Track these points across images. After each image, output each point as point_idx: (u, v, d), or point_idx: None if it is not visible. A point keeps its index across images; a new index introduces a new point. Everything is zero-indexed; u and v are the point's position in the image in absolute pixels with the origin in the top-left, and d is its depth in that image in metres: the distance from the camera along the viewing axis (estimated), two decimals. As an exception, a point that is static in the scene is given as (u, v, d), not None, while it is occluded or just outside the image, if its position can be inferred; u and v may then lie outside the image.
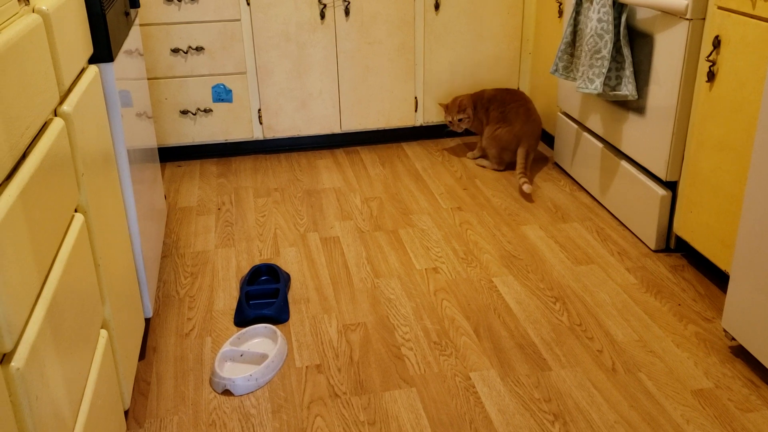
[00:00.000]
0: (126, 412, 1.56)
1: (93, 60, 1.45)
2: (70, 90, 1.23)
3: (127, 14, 1.74)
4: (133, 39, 1.88)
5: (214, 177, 2.81)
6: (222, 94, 2.85)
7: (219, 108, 2.87)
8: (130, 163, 1.59)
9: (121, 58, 1.61)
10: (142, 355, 1.76)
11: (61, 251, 1.04)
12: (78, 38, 1.28)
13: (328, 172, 2.82)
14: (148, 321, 1.89)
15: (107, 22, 1.42)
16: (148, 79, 2.77)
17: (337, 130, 3.01)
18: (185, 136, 2.89)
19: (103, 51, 1.43)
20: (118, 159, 1.53)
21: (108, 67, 1.45)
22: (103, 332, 1.25)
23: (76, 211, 1.20)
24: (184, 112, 2.85)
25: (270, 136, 2.96)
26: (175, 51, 2.75)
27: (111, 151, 1.46)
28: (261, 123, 2.93)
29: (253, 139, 2.96)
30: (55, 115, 1.13)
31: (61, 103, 1.16)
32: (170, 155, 2.99)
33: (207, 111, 2.86)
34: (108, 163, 1.41)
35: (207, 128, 2.89)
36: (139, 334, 1.59)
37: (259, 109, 2.91)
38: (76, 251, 1.09)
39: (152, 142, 2.09)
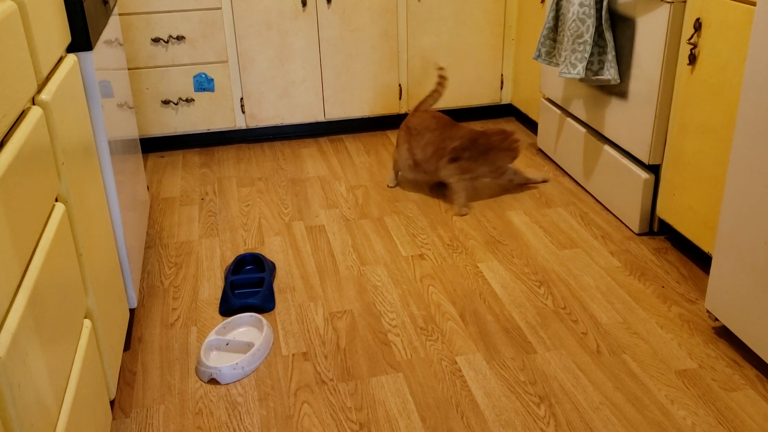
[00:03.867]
0: (112, 402, 1.56)
1: (71, 49, 1.43)
2: (48, 79, 1.21)
3: (105, 2, 1.71)
4: (113, 28, 1.86)
5: (197, 167, 2.79)
6: (204, 84, 2.82)
7: (201, 97, 2.85)
8: (111, 153, 1.58)
9: (100, 47, 1.59)
10: (128, 346, 1.75)
11: (42, 240, 1.03)
12: (55, 26, 1.26)
13: (312, 161, 2.81)
14: (133, 311, 1.88)
15: (85, 11, 1.40)
16: (129, 69, 2.74)
17: (321, 118, 2.99)
18: (167, 126, 2.87)
19: (81, 40, 1.41)
20: (99, 149, 1.51)
21: (87, 56, 1.43)
22: (87, 322, 1.24)
23: (57, 200, 1.18)
24: (166, 102, 2.82)
25: (253, 125, 2.94)
26: (156, 40, 2.72)
27: (92, 141, 1.44)
28: (244, 112, 2.91)
29: (236, 128, 2.94)
30: (33, 104, 1.12)
31: (39, 91, 1.14)
32: (153, 146, 2.97)
33: (189, 101, 2.84)
34: (89, 153, 1.40)
35: (189, 118, 2.87)
36: (124, 324, 1.58)
37: (242, 98, 2.89)
38: (57, 240, 1.08)
39: (134, 133, 2.07)
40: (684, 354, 1.66)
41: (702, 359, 1.64)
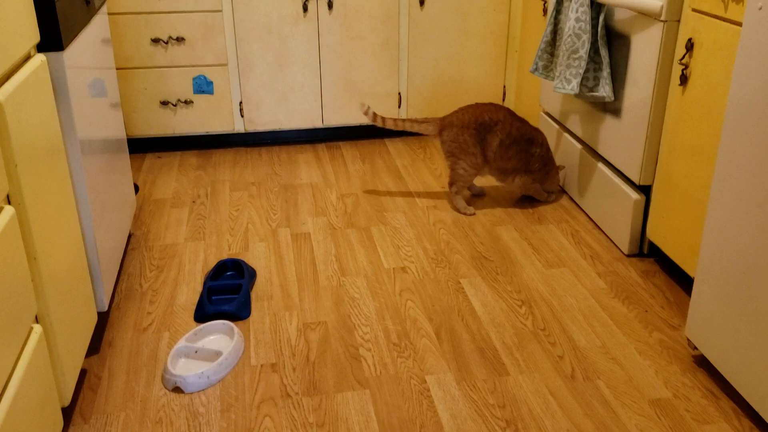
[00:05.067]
0: (72, 408, 1.55)
1: (42, 48, 1.42)
2: (7, 78, 1.20)
3: (88, 2, 1.71)
4: (98, 27, 1.86)
5: (193, 169, 2.78)
6: (203, 86, 2.82)
7: (200, 100, 2.84)
8: (84, 153, 1.57)
9: (78, 46, 1.59)
10: (97, 349, 1.74)
11: (-18, 245, 1.01)
12: (17, 25, 1.25)
13: (307, 167, 2.79)
14: (107, 314, 1.87)
15: (57, 11, 1.39)
16: (128, 68, 2.74)
17: (319, 124, 2.98)
18: (165, 127, 2.86)
19: (51, 39, 1.40)
20: (69, 149, 1.50)
21: (57, 55, 1.43)
22: (37, 327, 1.23)
23: (9, 203, 1.17)
24: (165, 103, 2.82)
25: (251, 129, 2.93)
26: (156, 41, 2.72)
27: (59, 141, 1.43)
28: (242, 116, 2.90)
29: (234, 131, 2.93)
30: (-14, 105, 1.11)
31: (-7, 92, 1.13)
32: (151, 146, 2.97)
33: (188, 102, 2.84)
34: (54, 153, 1.39)
35: (187, 120, 2.87)
36: (89, 328, 1.56)
37: (241, 102, 2.88)
38: (0, 244, 1.06)
39: (119, 133, 2.07)
40: (660, 382, 1.62)
41: (677, 388, 1.59)
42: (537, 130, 2.38)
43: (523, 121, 2.36)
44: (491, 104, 2.37)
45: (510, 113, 2.35)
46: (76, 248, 1.50)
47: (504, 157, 2.33)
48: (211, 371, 1.61)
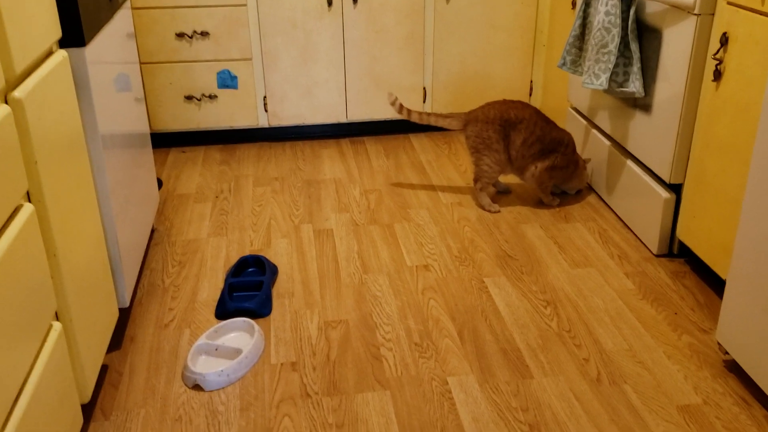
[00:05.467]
0: (93, 404, 1.55)
1: (64, 44, 1.41)
2: (27, 75, 1.20)
3: (111, -2, 1.70)
4: (121, 22, 1.85)
5: (217, 164, 2.78)
6: (227, 80, 2.81)
7: (224, 94, 2.84)
8: (106, 148, 1.56)
9: (101, 42, 1.58)
10: (118, 345, 1.74)
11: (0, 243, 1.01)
12: (39, 21, 1.24)
13: (330, 162, 2.77)
14: (129, 309, 1.87)
15: (78, 6, 1.38)
16: (153, 63, 2.74)
17: (343, 119, 2.95)
18: (190, 121, 2.86)
19: (73, 35, 1.40)
20: (90, 145, 1.50)
21: (79, 51, 1.42)
22: (57, 324, 1.22)
23: (29, 201, 1.17)
24: (189, 98, 2.82)
25: (275, 123, 2.92)
26: (180, 35, 2.72)
27: (81, 138, 1.43)
28: (266, 110, 2.89)
29: (258, 126, 2.92)
30: (6, 102, 1.10)
31: (13, 89, 1.12)
32: (175, 141, 2.97)
33: (212, 97, 2.83)
34: (75, 149, 1.38)
35: (212, 114, 2.86)
36: (110, 324, 1.56)
37: (265, 96, 2.87)
38: (19, 242, 1.06)
39: (142, 127, 2.06)
40: (689, 388, 1.57)
41: (708, 394, 1.55)
42: (563, 131, 2.33)
43: (548, 122, 2.31)
44: (518, 102, 2.33)
45: (536, 112, 2.31)
46: (97, 244, 1.49)
47: (526, 156, 2.29)
48: (231, 369, 1.60)
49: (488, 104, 2.35)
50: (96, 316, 1.45)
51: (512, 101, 2.33)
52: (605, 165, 2.36)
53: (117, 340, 1.76)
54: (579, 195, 2.46)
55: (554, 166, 2.32)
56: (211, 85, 2.81)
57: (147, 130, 2.16)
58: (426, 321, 1.81)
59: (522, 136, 2.27)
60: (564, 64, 2.33)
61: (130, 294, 1.73)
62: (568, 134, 2.34)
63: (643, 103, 2.09)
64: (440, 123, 2.40)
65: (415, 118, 2.40)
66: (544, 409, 1.52)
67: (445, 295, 1.92)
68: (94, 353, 1.42)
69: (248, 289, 1.91)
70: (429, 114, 2.40)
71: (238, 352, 1.65)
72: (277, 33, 2.77)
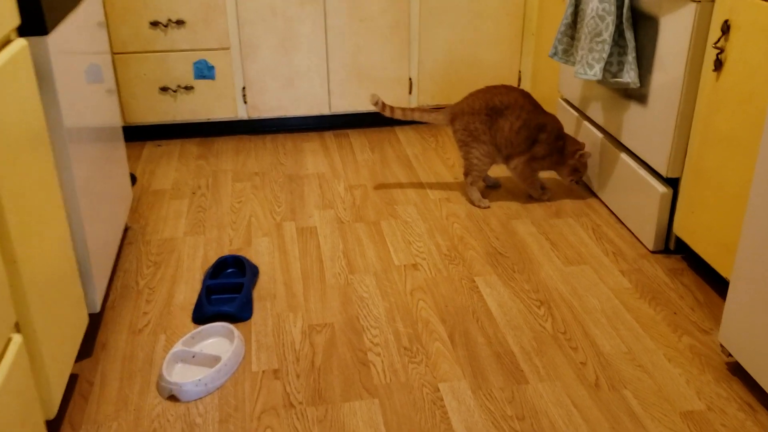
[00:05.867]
0: (61, 417, 1.44)
1: (26, 32, 1.30)
2: (-20, 65, 1.09)
3: (77, -18, 1.59)
4: (90, 9, 1.74)
5: (194, 158, 2.67)
6: (204, 71, 2.70)
7: (201, 85, 2.72)
8: (73, 143, 1.46)
9: (65, 30, 1.47)
10: (89, 353, 1.63)
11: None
12: (-7, 7, 1.14)
13: (313, 156, 2.68)
14: (101, 314, 1.77)
15: (39, -9, 1.27)
16: (126, 53, 2.62)
17: (326, 111, 2.85)
18: (165, 114, 2.75)
19: (33, 23, 1.29)
20: (54, 139, 1.39)
21: (41, 40, 1.31)
22: (17, 337, 1.12)
23: (-18, 202, 1.06)
24: (164, 89, 2.70)
25: (255, 115, 2.81)
26: (155, 24, 2.60)
27: (43, 132, 1.32)
28: (245, 102, 2.78)
29: (237, 118, 2.81)
30: (-46, 94, 1.00)
31: (-38, 80, 1.02)
32: (150, 134, 2.86)
33: (188, 88, 2.72)
34: (38, 145, 1.28)
35: (188, 106, 2.75)
36: (79, 332, 1.46)
37: (244, 87, 2.76)
38: (-31, 250, 0.96)
39: (113, 120, 1.95)
40: (692, 393, 1.50)
41: (712, 400, 1.48)
42: (548, 116, 2.23)
43: (536, 105, 2.22)
44: (503, 86, 2.24)
45: (522, 95, 2.21)
46: (63, 247, 1.39)
47: (514, 143, 2.21)
48: (209, 378, 1.50)
49: (472, 94, 2.26)
50: (63, 323, 1.34)
51: (496, 87, 2.24)
52: (598, 158, 2.28)
53: (87, 347, 1.65)
54: (572, 188, 2.39)
55: (534, 157, 2.23)
56: (187, 75, 2.70)
57: (119, 123, 2.05)
58: (415, 323, 1.73)
59: (509, 121, 2.18)
60: (555, 53, 2.25)
61: (101, 298, 1.63)
62: (552, 119, 2.24)
63: (638, 94, 2.01)
64: (426, 118, 2.31)
65: (399, 116, 2.30)
66: (540, 417, 1.44)
67: (434, 295, 1.83)
68: (60, 364, 1.32)
69: (227, 291, 1.81)
70: (413, 110, 2.31)
71: (216, 359, 1.55)
72: (255, 21, 2.66)
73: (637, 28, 1.98)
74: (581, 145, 2.24)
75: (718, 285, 1.86)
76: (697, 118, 1.78)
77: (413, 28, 2.77)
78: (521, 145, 2.21)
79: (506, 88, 2.23)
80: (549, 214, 2.24)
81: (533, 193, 2.31)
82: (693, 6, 1.72)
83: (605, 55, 1.98)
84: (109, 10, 2.55)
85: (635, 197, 2.06)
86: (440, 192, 2.38)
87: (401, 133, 2.89)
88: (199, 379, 1.49)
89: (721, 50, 1.65)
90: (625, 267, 1.95)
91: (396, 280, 1.90)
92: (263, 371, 1.57)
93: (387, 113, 2.30)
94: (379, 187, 2.42)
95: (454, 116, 2.26)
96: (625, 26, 1.95)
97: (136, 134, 2.84)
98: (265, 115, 2.82)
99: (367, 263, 1.98)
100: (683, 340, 1.66)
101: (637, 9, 1.97)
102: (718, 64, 1.67)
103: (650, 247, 2.01)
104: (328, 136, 2.88)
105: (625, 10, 1.94)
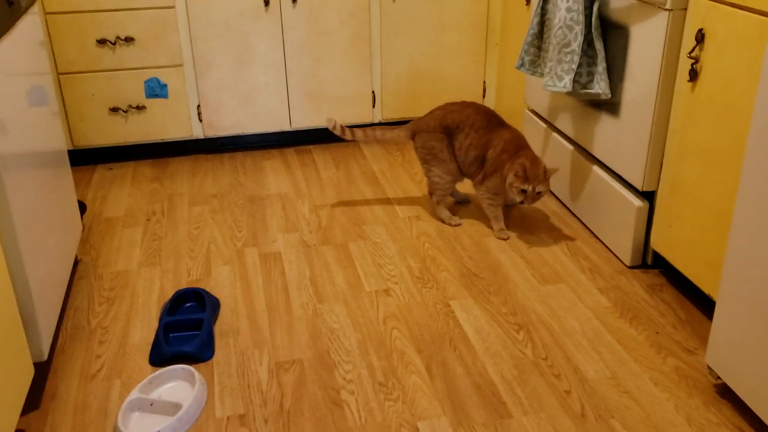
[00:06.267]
0: (4, 482, 1.31)
1: (-50, 59, 1.18)
2: None
3: (11, 3, 1.46)
4: (27, 29, 1.61)
5: (148, 181, 2.53)
6: (156, 89, 2.57)
7: (153, 104, 2.59)
8: (9, 171, 1.33)
9: (1, 52, 1.34)
10: (37, 404, 1.50)
11: None
12: None
13: (275, 175, 2.56)
14: (50, 359, 1.63)
15: (-37, 13, 1.15)
16: (72, 73, 2.48)
17: (286, 127, 2.75)
18: (116, 135, 2.61)
19: (-42, 48, 1.16)
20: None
21: (-33, 67, 1.18)
22: (-54, 406, 0.99)
23: None
24: (115, 110, 2.57)
25: (211, 134, 2.69)
26: (102, 42, 2.46)
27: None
28: (201, 120, 2.66)
29: (193, 137, 2.69)
30: None
31: None
32: (101, 157, 2.71)
33: (140, 108, 2.58)
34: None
35: (141, 127, 2.61)
36: (24, 384, 1.33)
37: (199, 105, 2.63)
38: None
39: (57, 144, 1.82)
40: (681, 419, 1.43)
41: (702, 426, 1.41)
42: (497, 131, 2.08)
43: (489, 121, 2.09)
44: (459, 103, 2.15)
45: (476, 112, 2.11)
46: (3, 289, 1.26)
47: (466, 162, 2.12)
48: (169, 429, 1.38)
49: (431, 111, 2.18)
50: (4, 378, 1.21)
51: (453, 104, 2.16)
52: (569, 171, 2.22)
53: (35, 398, 1.52)
54: (541, 203, 2.32)
55: (486, 175, 2.09)
56: (138, 95, 2.56)
57: (64, 147, 1.92)
58: (390, 355, 1.63)
59: (459, 140, 2.10)
60: (522, 64, 2.18)
61: (49, 344, 1.49)
62: (503, 134, 2.07)
63: (609, 105, 1.95)
64: (387, 137, 2.22)
65: (360, 137, 2.21)
66: (527, 454, 1.36)
67: (408, 323, 1.74)
68: (2, 421, 1.19)
69: (187, 328, 1.69)
70: (374, 129, 2.22)
71: (177, 407, 1.44)
72: (209, 36, 2.54)
73: (607, 38, 1.92)
74: (523, 161, 1.97)
75: (700, 301, 1.80)
76: (672, 130, 1.73)
77: (374, 41, 2.68)
78: (473, 165, 2.12)
79: (461, 105, 2.14)
80: (522, 231, 2.17)
81: (494, 226, 2.14)
82: (665, 14, 1.66)
83: (575, 66, 1.92)
84: (53, 28, 2.40)
85: (610, 211, 2.00)
86: (409, 209, 2.30)
87: (366, 148, 2.80)
88: (158, 431, 1.37)
89: (696, 60, 1.60)
90: (602, 284, 1.89)
91: (367, 307, 1.80)
92: (228, 417, 1.45)
93: (347, 136, 2.20)
94: (346, 206, 2.33)
95: (414, 133, 2.18)
96: (594, 35, 1.89)
97: (86, 158, 2.70)
98: (222, 133, 2.70)
99: (336, 290, 1.88)
100: (668, 362, 1.59)
101: (607, 18, 1.91)
102: (694, 74, 1.61)
103: (627, 262, 1.95)
104: (290, 153, 2.77)
105: (593, 19, 1.88)
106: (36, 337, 1.43)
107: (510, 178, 1.98)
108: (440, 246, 2.08)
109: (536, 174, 1.96)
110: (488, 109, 2.16)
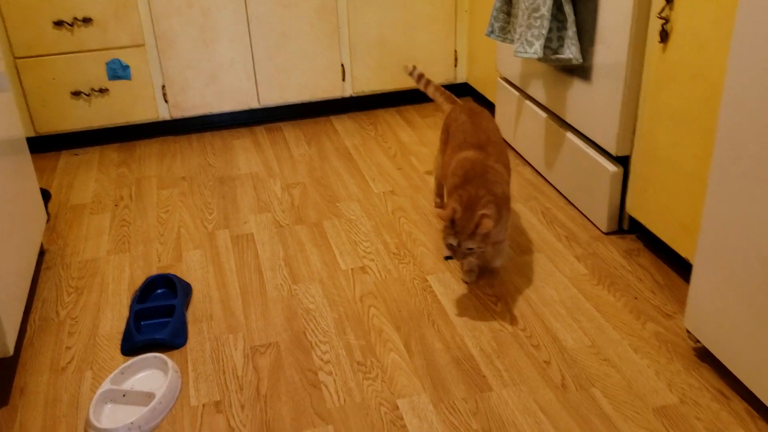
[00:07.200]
0: (-26, 483, 1.27)
1: None
2: None
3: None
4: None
5: (114, 166, 2.47)
6: (118, 71, 2.49)
7: (116, 86, 2.52)
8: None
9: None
10: (5, 400, 1.46)
11: None
12: None
13: (245, 155, 2.51)
14: (17, 354, 1.59)
15: None
16: (29, 57, 2.39)
17: (255, 105, 2.68)
18: (80, 120, 2.53)
19: None
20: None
21: None
22: None
23: None
24: (76, 93, 2.49)
25: (178, 115, 2.62)
26: (59, 24, 2.38)
27: None
28: (166, 101, 2.59)
29: (159, 119, 2.62)
30: None
31: None
32: (65, 143, 2.64)
33: (103, 90, 2.51)
34: None
35: (104, 110, 2.54)
36: (-13, 384, 1.29)
37: (163, 86, 2.56)
38: None
39: (12, 132, 1.75)
40: (663, 385, 1.42)
41: (684, 391, 1.41)
42: (469, 142, 1.73)
43: (473, 127, 1.78)
44: (467, 106, 1.91)
45: (469, 115, 1.83)
46: (-43, 292, 1.21)
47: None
48: (142, 420, 1.35)
49: (457, 105, 1.96)
50: (-37, 381, 1.17)
51: (462, 107, 1.91)
52: (543, 139, 2.19)
53: (3, 394, 1.48)
54: (515, 173, 2.29)
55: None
56: (100, 77, 2.49)
57: (20, 134, 1.85)
58: (368, 333, 1.60)
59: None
60: (492, 31, 2.14)
61: (14, 338, 1.45)
62: (466, 149, 1.70)
63: (581, 70, 1.92)
64: (443, 105, 2.03)
65: (430, 93, 2.06)
66: (508, 427, 1.34)
67: (386, 300, 1.71)
68: (-36, 428, 1.15)
69: (158, 315, 1.65)
70: (443, 92, 2.05)
71: (150, 396, 1.40)
72: (171, 13, 2.47)
73: (576, 1, 1.88)
74: (455, 206, 1.53)
75: (676, 264, 1.80)
76: (645, 93, 1.70)
77: (341, 12, 2.62)
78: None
79: (462, 108, 1.89)
80: (497, 201, 2.14)
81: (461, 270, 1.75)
82: (634, -25, 1.62)
83: (545, 32, 1.88)
84: (5, 10, 2.31)
85: (584, 178, 1.98)
86: (384, 184, 2.26)
87: (338, 122, 2.75)
88: (132, 422, 1.34)
89: (666, 20, 1.56)
90: (579, 252, 1.87)
91: (344, 286, 1.77)
92: (203, 405, 1.42)
93: (421, 87, 2.06)
94: (319, 183, 2.28)
95: (447, 116, 1.93)
96: (563, -1, 1.85)
97: (50, 144, 2.62)
98: (189, 114, 2.63)
99: (311, 270, 1.84)
100: (647, 327, 1.59)
101: (575, -20, 1.87)
102: (664, 35, 1.58)
103: (603, 228, 1.94)
104: (260, 131, 2.71)
105: (562, -17, 1.84)
106: (1, 334, 1.39)
107: (437, 221, 1.54)
108: (416, 220, 2.05)
109: (465, 227, 1.49)
110: (482, 116, 1.85)
